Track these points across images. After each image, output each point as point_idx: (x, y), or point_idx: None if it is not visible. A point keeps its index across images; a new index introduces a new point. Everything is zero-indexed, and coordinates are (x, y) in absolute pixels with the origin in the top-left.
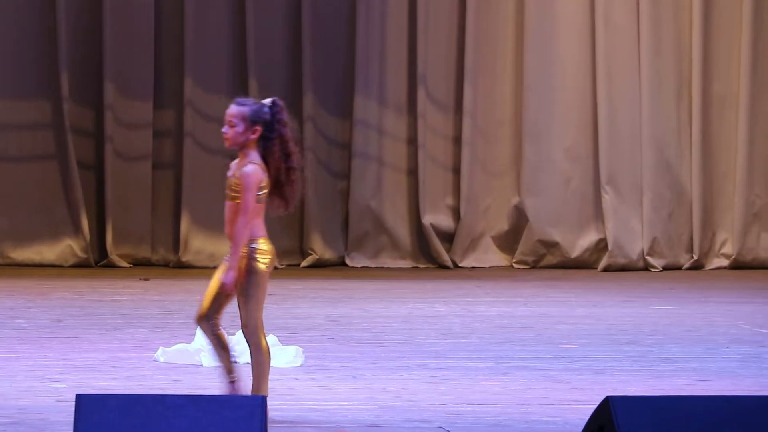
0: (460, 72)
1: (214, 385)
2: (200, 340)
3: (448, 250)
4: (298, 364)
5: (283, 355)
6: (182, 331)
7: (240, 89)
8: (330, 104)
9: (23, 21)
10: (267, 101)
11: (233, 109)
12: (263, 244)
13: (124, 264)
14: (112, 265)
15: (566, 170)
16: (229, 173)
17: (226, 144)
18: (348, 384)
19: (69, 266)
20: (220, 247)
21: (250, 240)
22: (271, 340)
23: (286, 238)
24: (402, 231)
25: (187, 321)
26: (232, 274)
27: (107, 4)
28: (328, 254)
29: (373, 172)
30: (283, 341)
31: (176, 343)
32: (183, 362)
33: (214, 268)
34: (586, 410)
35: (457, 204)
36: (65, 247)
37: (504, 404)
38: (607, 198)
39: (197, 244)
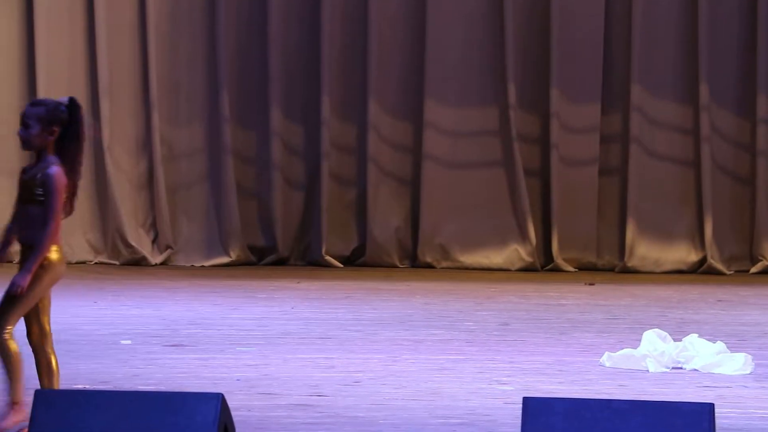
0: None
1: (661, 391)
2: (646, 346)
3: None
4: (748, 372)
5: (731, 363)
6: (628, 336)
7: (689, 95)
8: None
9: (472, 30)
10: (63, 99)
11: (28, 109)
12: (54, 253)
13: (570, 268)
14: (557, 270)
15: None
16: (24, 175)
17: (22, 147)
18: None
19: (515, 270)
20: (666, 253)
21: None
22: (718, 347)
23: (735, 243)
24: None
25: (633, 326)
26: (28, 277)
27: (555, 10)
28: None
29: None
30: (732, 349)
31: (622, 348)
32: (629, 367)
33: (661, 274)
34: None
35: None
36: (512, 252)
37: None
38: None
39: (643, 250)
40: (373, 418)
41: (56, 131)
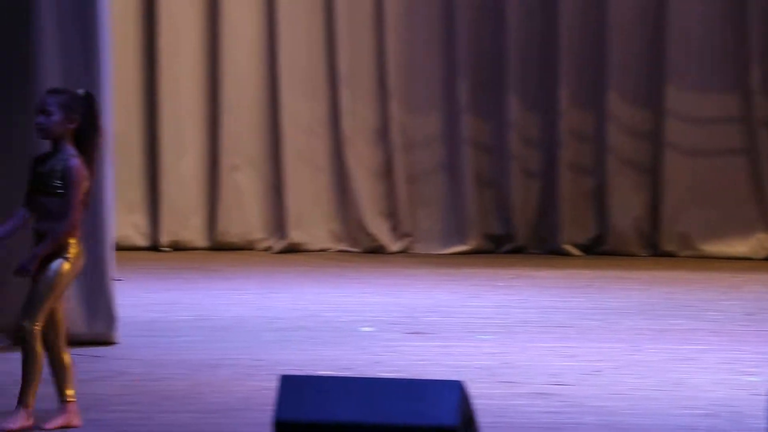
0: None
1: None
2: None
3: None
4: None
5: None
6: None
7: None
8: None
9: (712, 12)
10: (80, 92)
11: (48, 97)
12: (75, 247)
13: None
14: None
15: None
16: (40, 166)
17: (40, 135)
18: None
19: (760, 259)
20: None
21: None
22: None
23: None
24: None
25: None
26: (36, 261)
27: None
28: None
29: None
30: None
31: None
32: None
33: None
34: None
35: None
36: (756, 241)
37: None
38: None
39: None
40: (615, 408)
41: (77, 120)
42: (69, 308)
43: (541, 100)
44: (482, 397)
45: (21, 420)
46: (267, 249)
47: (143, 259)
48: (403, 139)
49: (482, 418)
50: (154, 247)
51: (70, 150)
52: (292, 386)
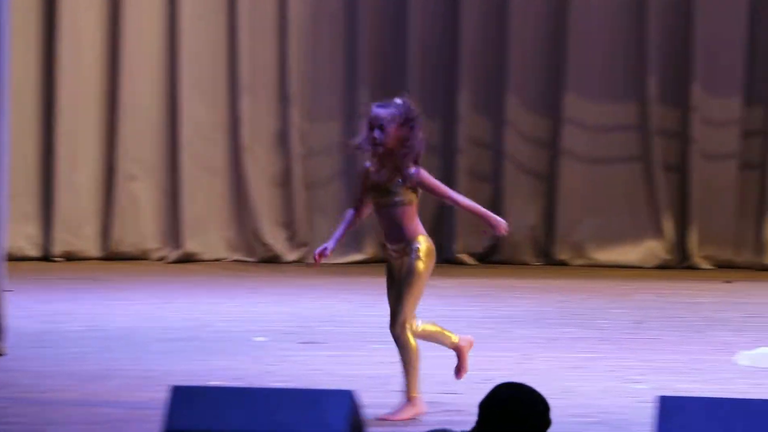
0: None
1: None
2: None
3: None
4: None
5: None
6: (766, 334)
7: None
8: None
9: (612, 23)
10: (399, 100)
11: (382, 111)
12: (424, 243)
13: (707, 266)
14: (694, 267)
15: None
16: (374, 177)
17: (378, 150)
18: None
19: (651, 268)
20: None
21: (413, 238)
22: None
23: None
24: None
25: None
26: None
27: (697, 2)
28: None
29: None
30: None
31: (759, 347)
32: (766, 366)
33: None
34: None
35: None
36: (648, 249)
37: None
38: None
39: None
40: None
41: (407, 131)
42: None
43: (440, 107)
44: (374, 406)
45: (408, 411)
46: (161, 259)
47: (35, 270)
48: (303, 147)
49: (373, 427)
50: (47, 258)
51: (404, 159)
52: (183, 397)
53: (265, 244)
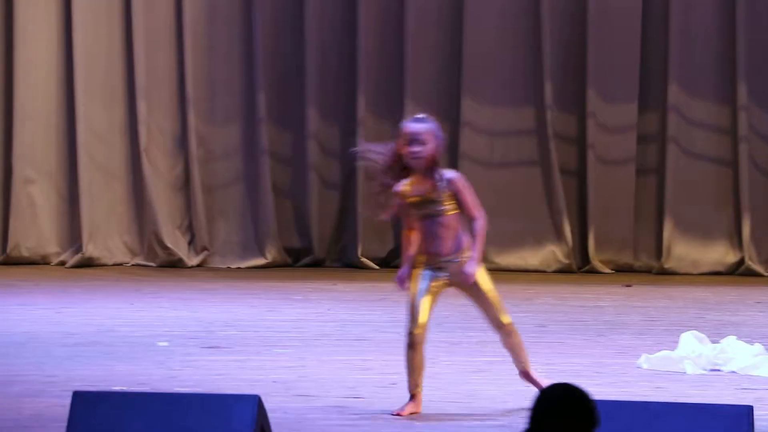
0: None
1: (699, 393)
2: (684, 347)
3: None
4: None
5: None
6: (666, 338)
7: (727, 94)
8: None
9: (508, 28)
10: (423, 115)
11: (420, 126)
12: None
13: (606, 270)
14: (594, 271)
15: None
16: (415, 192)
17: (420, 164)
18: None
19: (552, 272)
20: (704, 254)
21: (468, 244)
22: (756, 349)
23: None
24: None
25: (671, 328)
26: (475, 264)
27: (592, 9)
28: None
29: None
30: None
31: (660, 350)
32: (666, 369)
33: (698, 275)
34: None
35: None
36: (548, 253)
37: None
38: None
39: (680, 250)
40: (409, 420)
41: (439, 142)
42: None
43: (340, 111)
44: (278, 410)
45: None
46: (61, 263)
47: None
48: (202, 150)
49: (278, 431)
50: None
51: (441, 169)
52: (86, 402)
53: (166, 248)
